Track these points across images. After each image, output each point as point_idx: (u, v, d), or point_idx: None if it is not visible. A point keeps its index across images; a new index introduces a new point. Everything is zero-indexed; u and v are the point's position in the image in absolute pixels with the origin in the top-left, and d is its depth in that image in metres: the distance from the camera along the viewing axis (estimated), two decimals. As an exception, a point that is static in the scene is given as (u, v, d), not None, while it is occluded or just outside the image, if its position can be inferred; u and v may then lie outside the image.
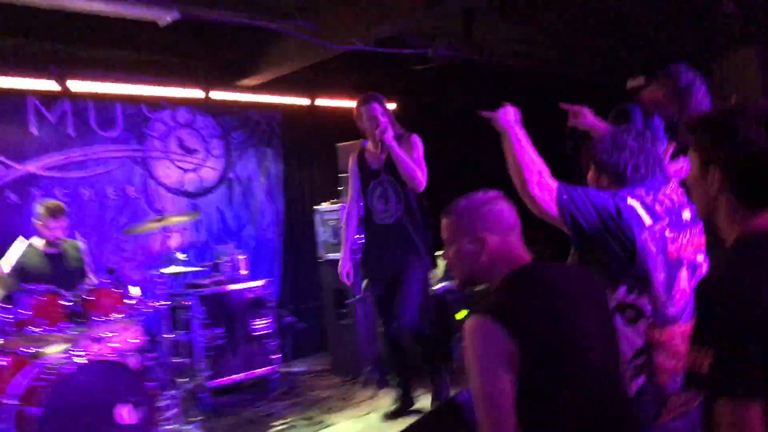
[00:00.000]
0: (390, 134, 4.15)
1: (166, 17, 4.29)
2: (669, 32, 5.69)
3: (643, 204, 2.29)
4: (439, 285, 5.75)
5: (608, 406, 1.77)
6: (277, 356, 5.21)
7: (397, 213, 4.22)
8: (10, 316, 3.67)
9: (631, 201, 2.28)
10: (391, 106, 6.74)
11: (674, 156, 3.30)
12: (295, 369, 5.67)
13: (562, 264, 1.91)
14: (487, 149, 7.23)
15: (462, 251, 1.86)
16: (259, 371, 5.13)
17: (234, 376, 5.03)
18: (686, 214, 2.37)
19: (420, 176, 4.15)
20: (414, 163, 4.16)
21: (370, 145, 4.36)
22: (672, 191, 2.41)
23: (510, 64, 6.39)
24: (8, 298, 3.72)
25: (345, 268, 4.31)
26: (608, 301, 1.90)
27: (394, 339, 4.22)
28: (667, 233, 2.28)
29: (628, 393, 2.13)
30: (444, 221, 1.91)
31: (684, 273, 2.29)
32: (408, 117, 6.20)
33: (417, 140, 4.28)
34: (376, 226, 4.27)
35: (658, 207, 2.31)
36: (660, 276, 2.24)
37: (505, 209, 1.88)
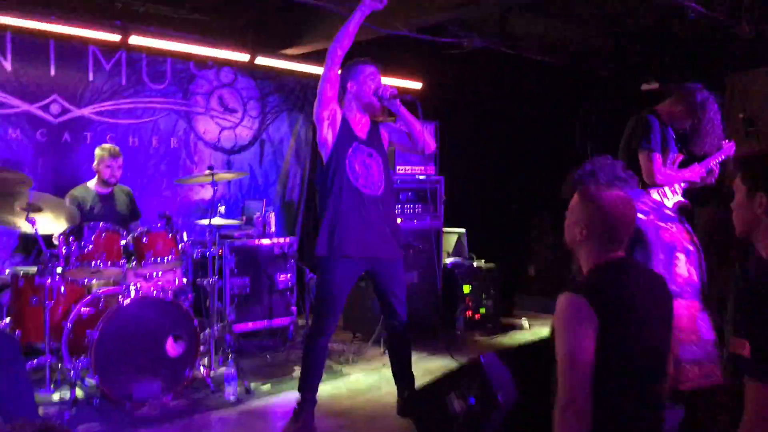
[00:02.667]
0: (394, 92, 3.72)
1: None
2: (687, 46, 6.08)
3: None
4: (450, 259, 6.21)
5: (650, 403, 2.07)
6: (294, 308, 5.67)
7: (380, 186, 3.74)
8: (75, 249, 4.09)
9: None
10: (417, 85, 7.12)
11: (682, 165, 3.78)
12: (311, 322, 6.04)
13: (647, 268, 2.25)
14: (507, 136, 7.68)
15: (569, 227, 2.18)
16: (278, 321, 5.60)
17: (257, 323, 5.50)
18: (668, 211, 2.87)
19: (429, 137, 3.88)
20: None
21: (347, 113, 3.80)
22: (646, 197, 2.89)
23: (536, 58, 6.71)
24: (76, 233, 4.11)
25: None
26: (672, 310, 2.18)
27: (398, 334, 3.92)
28: (658, 223, 2.77)
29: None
30: (574, 197, 2.20)
31: (681, 256, 2.77)
32: (433, 99, 6.59)
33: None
34: (358, 194, 3.65)
35: (641, 205, 2.80)
36: (659, 256, 2.70)
37: (619, 214, 2.10)
